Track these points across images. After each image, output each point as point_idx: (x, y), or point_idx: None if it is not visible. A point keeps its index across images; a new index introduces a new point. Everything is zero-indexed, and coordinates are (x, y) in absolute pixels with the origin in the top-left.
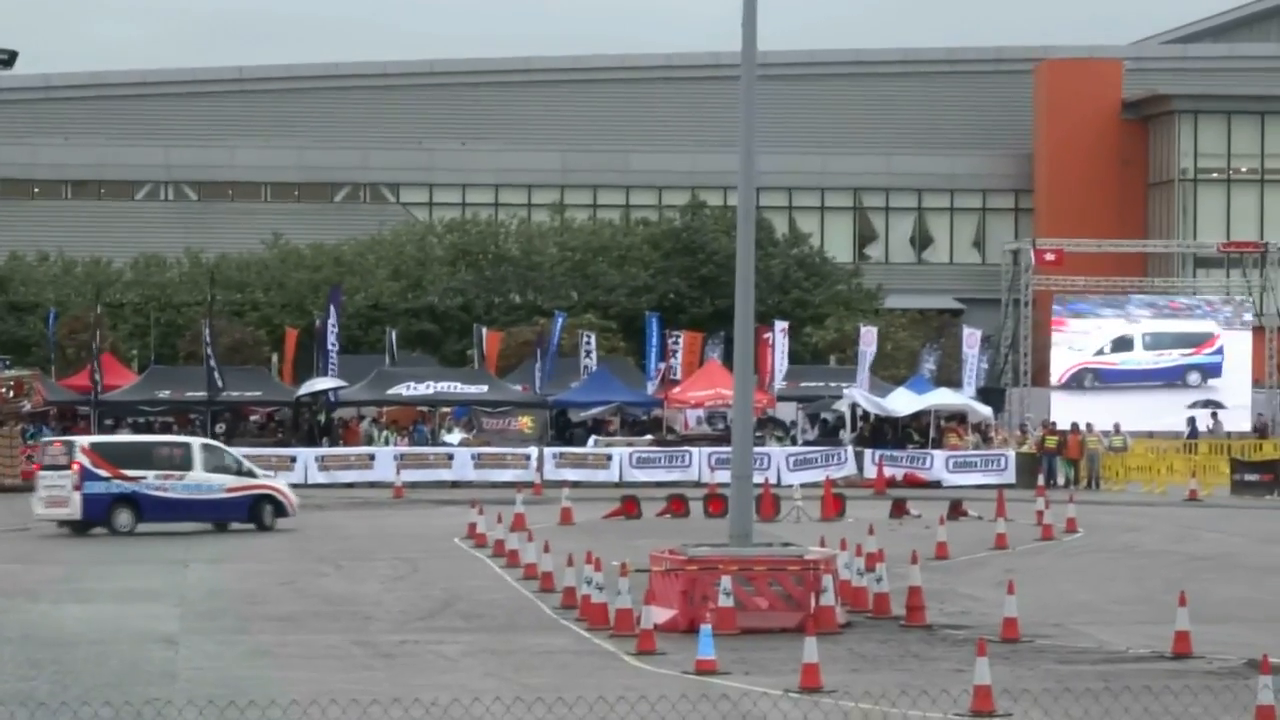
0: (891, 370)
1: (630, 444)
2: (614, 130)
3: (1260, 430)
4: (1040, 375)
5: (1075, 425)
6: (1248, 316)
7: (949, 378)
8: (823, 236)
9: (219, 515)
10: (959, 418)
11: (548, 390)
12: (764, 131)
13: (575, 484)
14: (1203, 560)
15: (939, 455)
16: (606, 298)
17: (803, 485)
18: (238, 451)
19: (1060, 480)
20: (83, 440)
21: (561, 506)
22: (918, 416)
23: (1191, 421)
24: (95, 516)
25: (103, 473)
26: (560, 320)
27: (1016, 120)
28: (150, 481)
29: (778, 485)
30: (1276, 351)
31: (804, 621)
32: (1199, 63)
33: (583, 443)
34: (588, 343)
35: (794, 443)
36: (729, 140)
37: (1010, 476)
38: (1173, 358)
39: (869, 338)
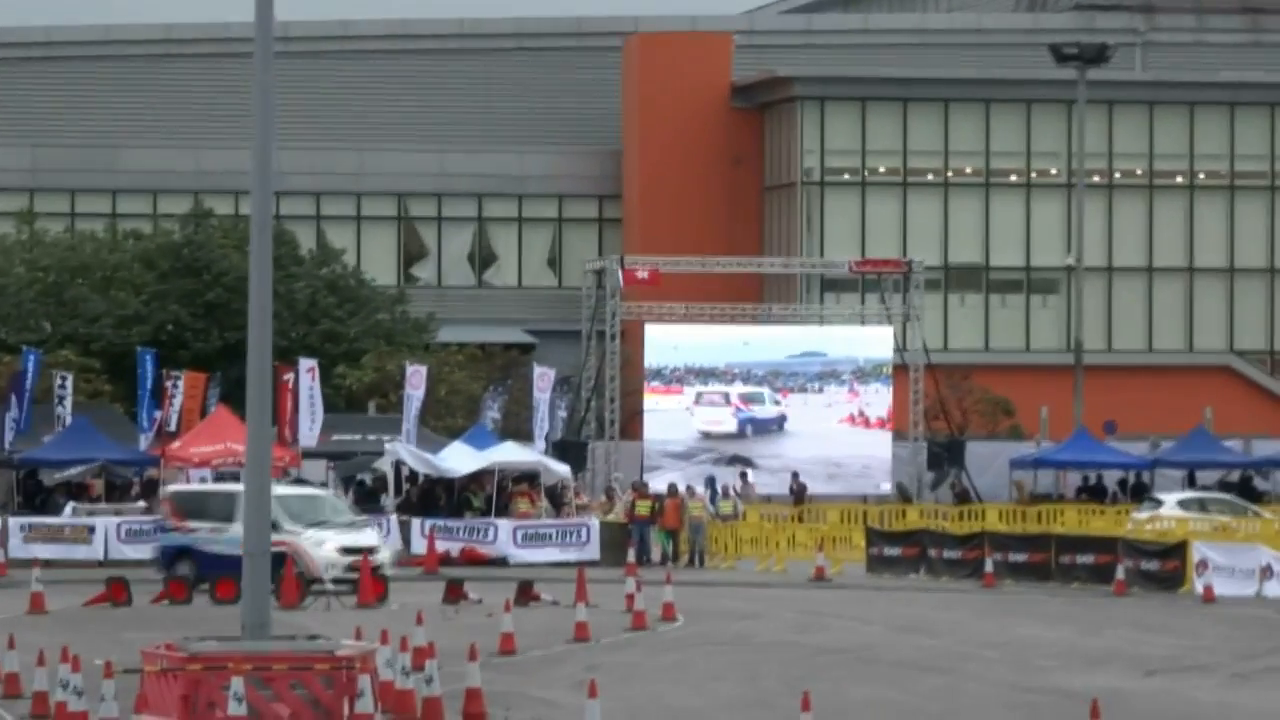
0: (446, 420)
1: (118, 512)
2: (95, 120)
3: (903, 495)
4: (631, 425)
5: (674, 488)
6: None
7: (518, 428)
8: (359, 253)
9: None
10: (530, 479)
11: (14, 447)
12: (285, 122)
13: (48, 562)
14: (832, 654)
15: (505, 525)
16: (88, 329)
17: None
18: None
19: (656, 556)
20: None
21: (31, 591)
22: (478, 477)
23: (710, 482)
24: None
25: (171, 524)
26: (32, 358)
27: (601, 108)
28: (202, 535)
29: None
30: (924, 396)
31: None
32: (827, 37)
33: (58, 511)
34: (63, 385)
35: None
36: (242, 133)
37: (594, 551)
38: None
39: (417, 379)
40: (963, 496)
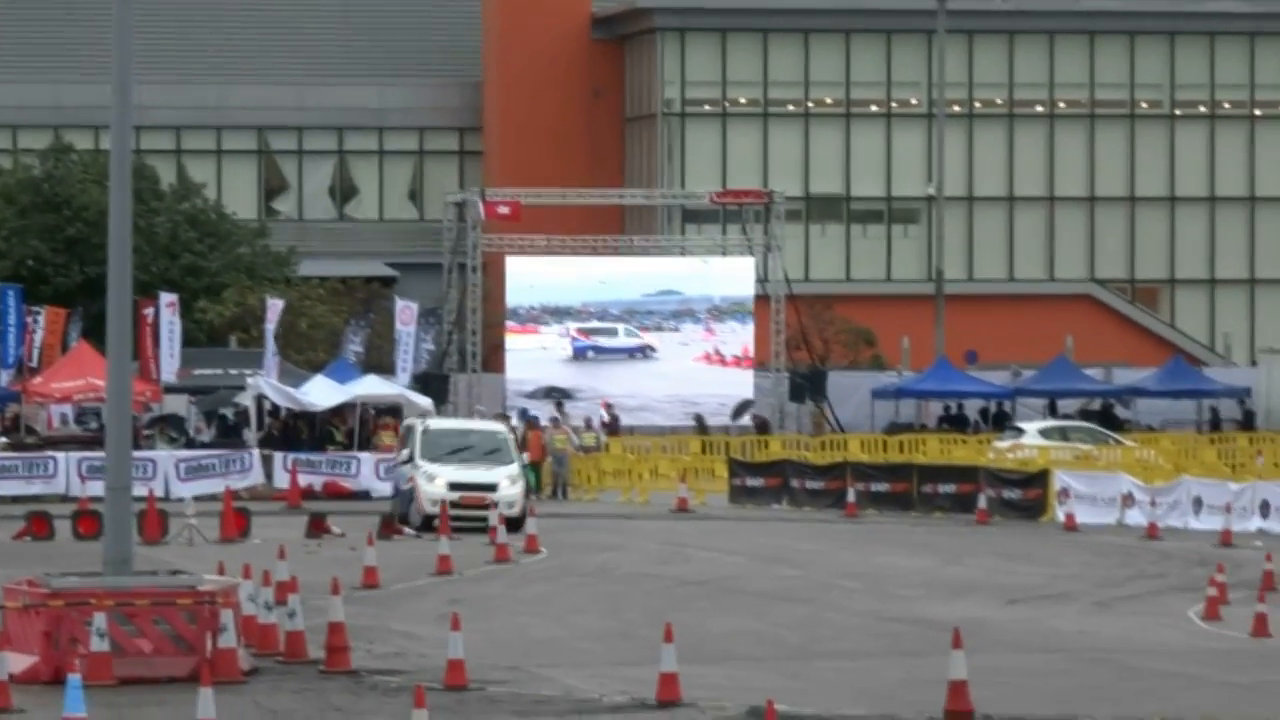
0: (308, 354)
1: None
2: None
3: (761, 426)
4: (494, 357)
5: (534, 419)
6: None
7: (380, 362)
8: (220, 187)
9: None
10: (392, 412)
11: None
12: (145, 56)
13: None
14: (694, 585)
15: (368, 459)
16: None
17: (196, 498)
18: None
19: None
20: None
21: None
22: (341, 411)
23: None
24: None
25: None
26: None
27: (461, 40)
28: None
29: (165, 499)
30: (786, 326)
31: (198, 668)
32: None
33: None
34: None
35: (187, 445)
36: (101, 67)
37: None
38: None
39: (277, 312)
40: (819, 427)
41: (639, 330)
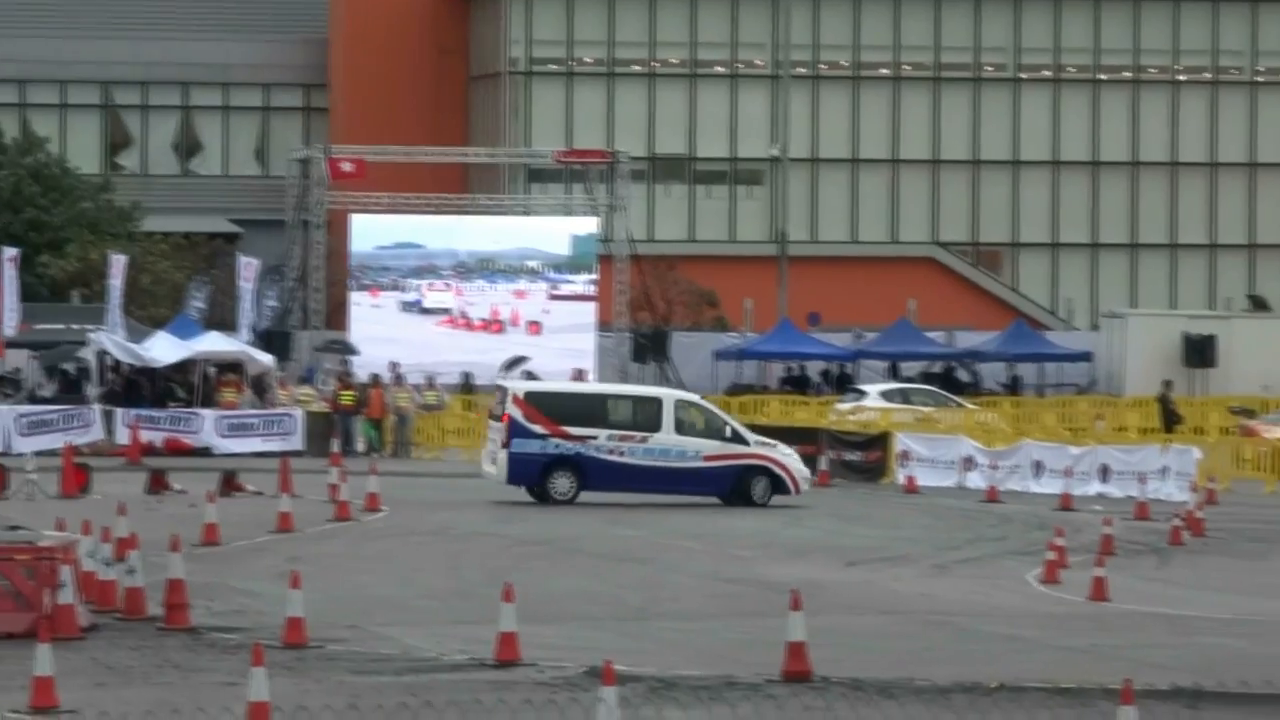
0: (150, 310)
1: None
2: None
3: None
4: (336, 315)
5: (377, 378)
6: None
7: (223, 318)
8: (64, 142)
9: (689, 488)
10: (235, 368)
11: None
12: None
13: None
14: (534, 545)
15: (209, 416)
16: None
17: (36, 454)
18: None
19: (361, 446)
20: (517, 388)
21: None
22: (183, 367)
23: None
24: (524, 480)
25: (538, 429)
26: None
27: None
28: (601, 443)
29: (6, 454)
30: (629, 287)
31: (35, 624)
32: None
33: None
34: None
35: (28, 401)
36: None
37: (298, 442)
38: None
39: (120, 268)
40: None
41: (484, 288)
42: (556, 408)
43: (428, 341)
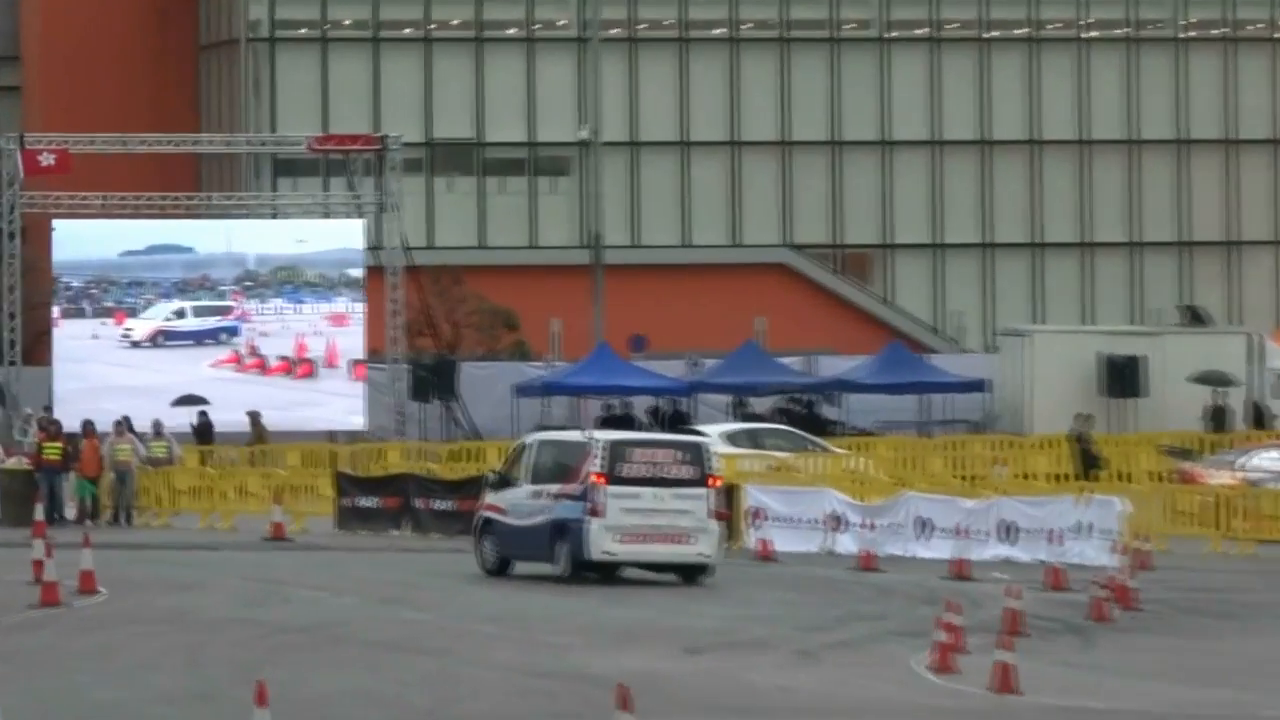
0: None
1: None
2: None
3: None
4: (38, 347)
5: (90, 426)
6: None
7: None
8: None
9: None
10: None
11: None
12: None
13: None
14: (294, 633)
15: None
16: None
17: None
18: None
19: (72, 512)
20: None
21: None
22: None
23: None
24: None
25: None
26: None
27: None
28: None
29: None
30: (406, 306)
31: None
32: None
33: None
34: None
35: None
36: None
37: None
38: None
39: None
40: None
41: (221, 310)
42: None
43: (163, 379)
